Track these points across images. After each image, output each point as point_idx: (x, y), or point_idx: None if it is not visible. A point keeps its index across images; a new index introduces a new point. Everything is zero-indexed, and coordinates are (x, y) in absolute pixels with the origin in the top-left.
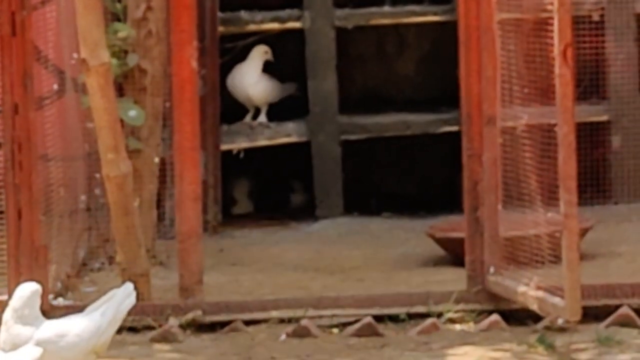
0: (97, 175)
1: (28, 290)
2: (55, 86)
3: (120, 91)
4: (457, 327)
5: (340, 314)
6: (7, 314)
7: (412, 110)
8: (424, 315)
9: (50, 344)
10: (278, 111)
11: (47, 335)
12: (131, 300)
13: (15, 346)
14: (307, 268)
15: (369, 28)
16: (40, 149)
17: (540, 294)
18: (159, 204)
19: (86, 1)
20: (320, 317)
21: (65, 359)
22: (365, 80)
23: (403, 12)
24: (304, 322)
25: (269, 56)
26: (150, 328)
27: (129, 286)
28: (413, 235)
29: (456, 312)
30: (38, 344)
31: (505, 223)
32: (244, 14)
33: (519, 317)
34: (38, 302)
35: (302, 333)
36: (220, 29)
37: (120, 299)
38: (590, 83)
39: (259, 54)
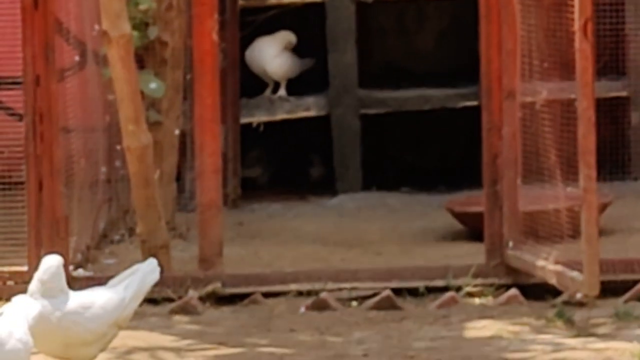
0: (118, 147)
1: (55, 262)
2: (77, 58)
3: (140, 63)
4: (476, 301)
5: (359, 287)
6: (33, 286)
7: (431, 85)
8: (442, 289)
9: (75, 315)
10: (298, 85)
11: (72, 307)
12: (155, 275)
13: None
14: (326, 241)
15: (389, 2)
16: (62, 121)
17: (559, 268)
18: (179, 176)
19: None
20: (339, 290)
21: (89, 331)
22: (385, 54)
23: None
24: (323, 295)
25: (291, 46)
26: (169, 300)
27: (153, 261)
28: (431, 209)
29: (475, 286)
30: (64, 315)
31: (524, 197)
32: None
33: (537, 291)
34: (63, 274)
35: (321, 306)
36: (241, 2)
37: (144, 274)
38: (610, 59)
39: (283, 38)
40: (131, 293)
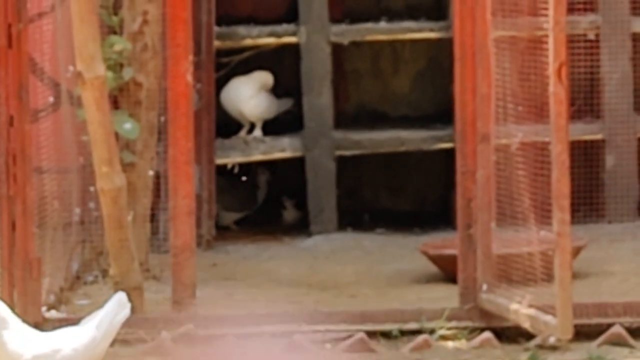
0: (92, 188)
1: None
2: (51, 99)
3: (115, 104)
4: (450, 344)
5: (332, 329)
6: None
7: (406, 127)
8: (416, 332)
9: (46, 358)
10: (273, 126)
11: (42, 349)
12: (125, 311)
13: None
14: (300, 283)
15: (365, 44)
16: (35, 161)
17: (533, 312)
18: (153, 217)
19: (82, 14)
20: (313, 332)
21: None
22: (361, 96)
23: (399, 29)
24: (296, 337)
25: (268, 86)
26: (142, 341)
27: (122, 297)
28: (406, 251)
29: (448, 329)
30: (34, 359)
31: (498, 241)
32: (240, 29)
33: (511, 334)
34: (14, 319)
35: (294, 348)
36: (216, 43)
37: (113, 311)
38: (585, 102)
39: (259, 78)
40: (102, 332)
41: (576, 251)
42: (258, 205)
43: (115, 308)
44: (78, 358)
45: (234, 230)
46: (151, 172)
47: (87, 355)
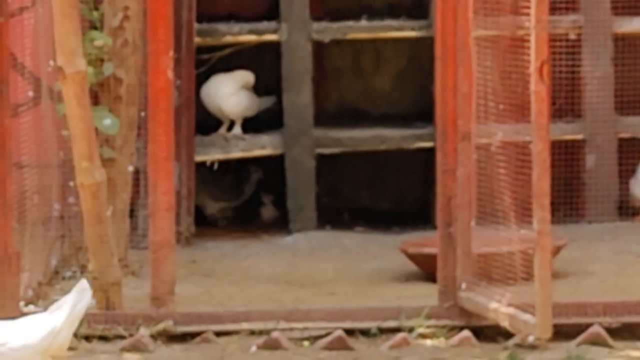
0: (71, 183)
1: None
2: (31, 93)
3: (95, 100)
4: (428, 342)
5: (311, 326)
6: None
7: (387, 125)
8: (395, 330)
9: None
10: (253, 123)
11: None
12: (87, 299)
13: None
14: (279, 281)
15: (346, 42)
16: (15, 156)
17: (512, 310)
18: (132, 213)
19: (64, 9)
20: (292, 329)
21: None
22: (341, 94)
23: (380, 27)
24: (274, 334)
25: (249, 86)
26: (121, 337)
27: (84, 285)
28: (386, 250)
29: (427, 327)
30: None
31: (478, 239)
32: (220, 26)
33: (490, 333)
34: None
35: (272, 345)
36: (197, 39)
37: (74, 299)
38: (566, 101)
39: (240, 77)
40: (62, 321)
41: (556, 251)
42: (244, 198)
43: (77, 297)
44: (35, 346)
45: (220, 223)
46: (131, 168)
47: (45, 344)
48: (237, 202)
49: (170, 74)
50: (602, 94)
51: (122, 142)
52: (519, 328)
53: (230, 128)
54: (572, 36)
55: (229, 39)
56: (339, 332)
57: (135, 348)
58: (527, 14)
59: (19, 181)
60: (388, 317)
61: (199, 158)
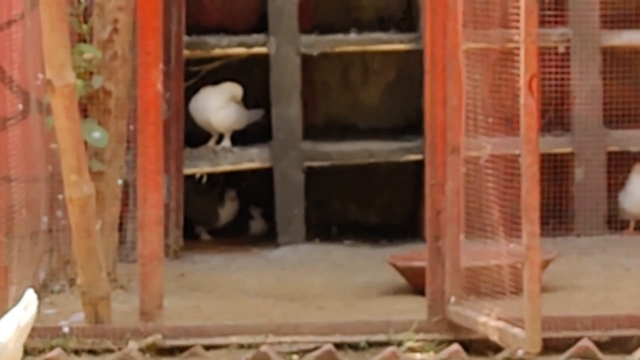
0: (60, 197)
1: None
2: (20, 107)
3: (84, 112)
4: (417, 356)
5: (300, 340)
6: None
7: (375, 139)
8: (384, 344)
9: None
10: (242, 136)
11: None
12: (31, 310)
13: None
14: (267, 294)
15: (334, 55)
16: (3, 170)
17: (501, 324)
18: (121, 226)
19: (52, 22)
20: (280, 343)
21: None
22: (330, 108)
23: (369, 40)
24: (263, 348)
25: (238, 99)
26: (109, 351)
27: (29, 296)
28: (374, 263)
29: (416, 341)
30: None
31: (466, 253)
32: (209, 38)
33: (479, 347)
34: None
35: (261, 359)
36: (186, 52)
37: (19, 312)
38: (555, 115)
39: (228, 90)
40: (9, 335)
41: (545, 264)
42: (221, 223)
43: (20, 306)
44: None
45: (206, 240)
46: (120, 181)
47: None
48: (213, 226)
49: (159, 86)
50: (591, 107)
51: (111, 155)
52: (508, 342)
53: (219, 141)
54: (561, 49)
55: (217, 51)
56: (328, 346)
57: None
58: (517, 27)
59: (7, 195)
60: (377, 331)
61: (187, 171)
